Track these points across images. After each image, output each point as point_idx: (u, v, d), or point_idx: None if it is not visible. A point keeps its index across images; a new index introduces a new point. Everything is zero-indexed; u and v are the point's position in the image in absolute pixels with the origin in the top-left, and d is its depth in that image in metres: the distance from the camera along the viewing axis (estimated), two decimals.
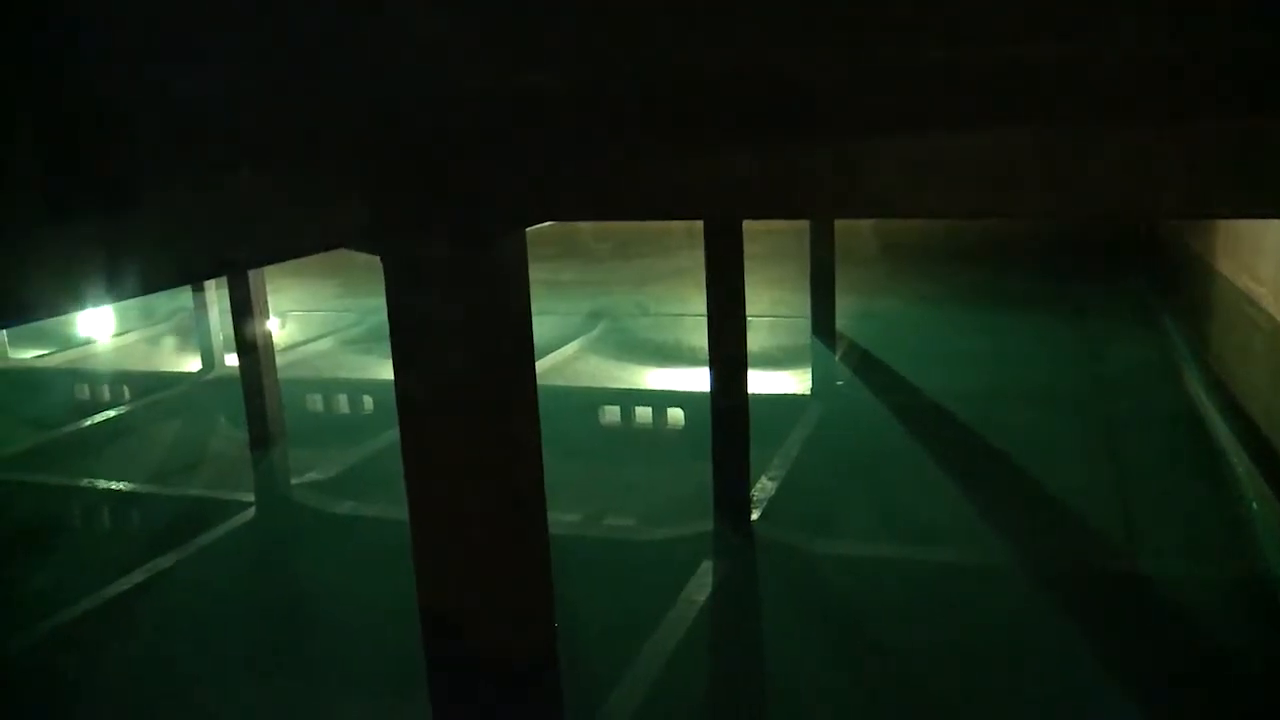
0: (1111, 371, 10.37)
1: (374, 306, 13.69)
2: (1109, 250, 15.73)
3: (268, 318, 9.15)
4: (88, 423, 10.45)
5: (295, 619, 6.40)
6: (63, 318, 12.89)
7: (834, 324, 11.60)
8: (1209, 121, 2.21)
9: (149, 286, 2.35)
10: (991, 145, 2.32)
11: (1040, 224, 15.63)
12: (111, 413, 10.80)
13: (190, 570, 6.96)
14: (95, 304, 2.12)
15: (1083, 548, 6.59)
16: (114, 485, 8.62)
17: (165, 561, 7.01)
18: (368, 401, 10.76)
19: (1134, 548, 6.51)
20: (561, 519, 6.64)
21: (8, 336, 13.47)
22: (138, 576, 6.80)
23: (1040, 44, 2.25)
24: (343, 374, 11.76)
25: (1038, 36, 2.24)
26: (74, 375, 12.62)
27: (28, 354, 13.50)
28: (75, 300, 2.09)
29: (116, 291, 2.19)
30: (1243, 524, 6.71)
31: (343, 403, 10.93)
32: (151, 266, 2.21)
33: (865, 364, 10.85)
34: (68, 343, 13.99)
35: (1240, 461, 7.55)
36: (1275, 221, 8.56)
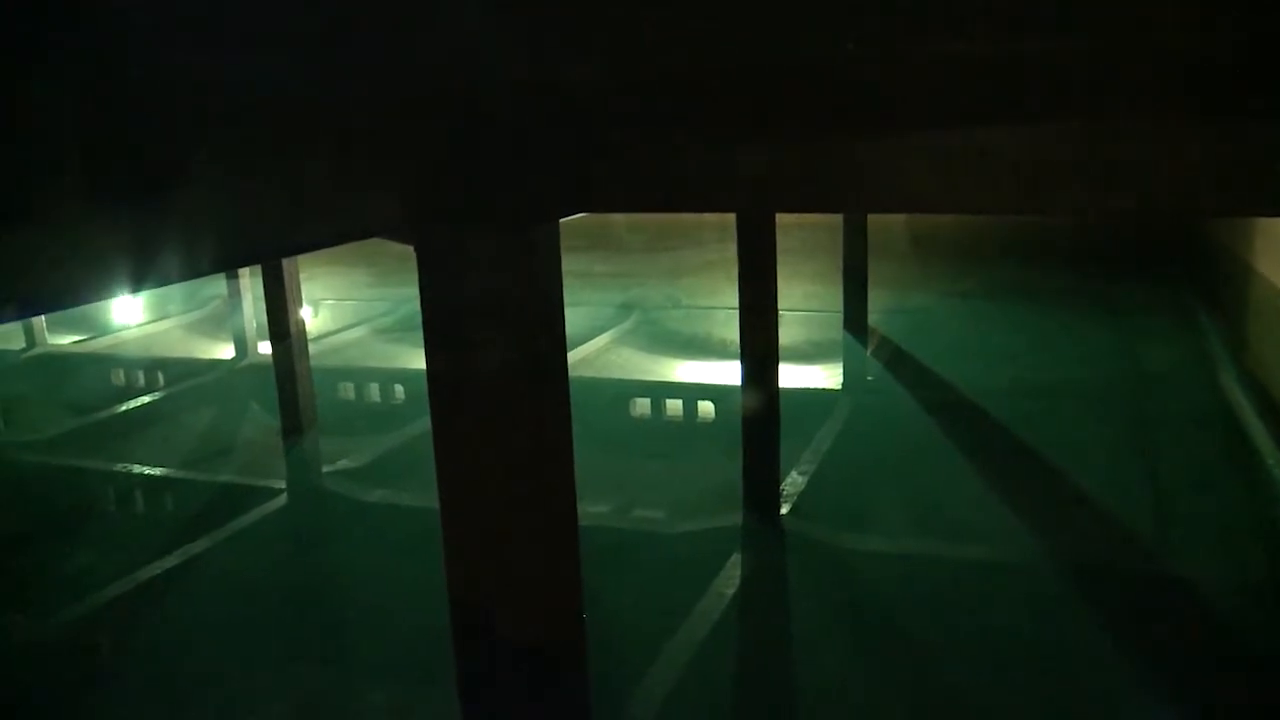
0: (1146, 370, 10.28)
1: (406, 296, 13.79)
2: (1145, 247, 15.60)
3: (300, 306, 9.20)
4: (123, 408, 10.55)
5: (325, 605, 6.45)
6: (99, 304, 13.01)
7: (866, 319, 11.56)
8: (1249, 119, 2.18)
9: (186, 273, 2.36)
10: (1026, 141, 2.31)
11: (1075, 220, 15.52)
12: (146, 398, 10.91)
13: (222, 555, 7.02)
14: (133, 290, 2.14)
15: (1115, 547, 6.55)
16: (148, 470, 8.70)
17: (197, 546, 7.08)
18: (399, 390, 10.81)
19: (1167, 548, 6.46)
20: (591, 510, 6.66)
21: (46, 322, 13.61)
22: (171, 561, 6.87)
23: (1075, 38, 2.23)
24: (374, 363, 11.82)
25: (1072, 30, 2.23)
26: (110, 361, 12.74)
27: (65, 339, 13.65)
28: (114, 286, 2.11)
29: (154, 278, 2.20)
30: (1278, 525, 6.66)
31: (374, 391, 10.98)
32: (189, 253, 2.22)
33: (897, 359, 10.81)
34: (104, 329, 14.14)
35: (1277, 463, 7.48)
36: None
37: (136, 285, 2.14)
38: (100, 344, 13.54)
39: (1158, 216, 13.58)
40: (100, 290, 2.12)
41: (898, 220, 16.62)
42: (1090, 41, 2.22)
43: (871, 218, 11.56)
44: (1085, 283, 14.06)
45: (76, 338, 13.73)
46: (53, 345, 13.44)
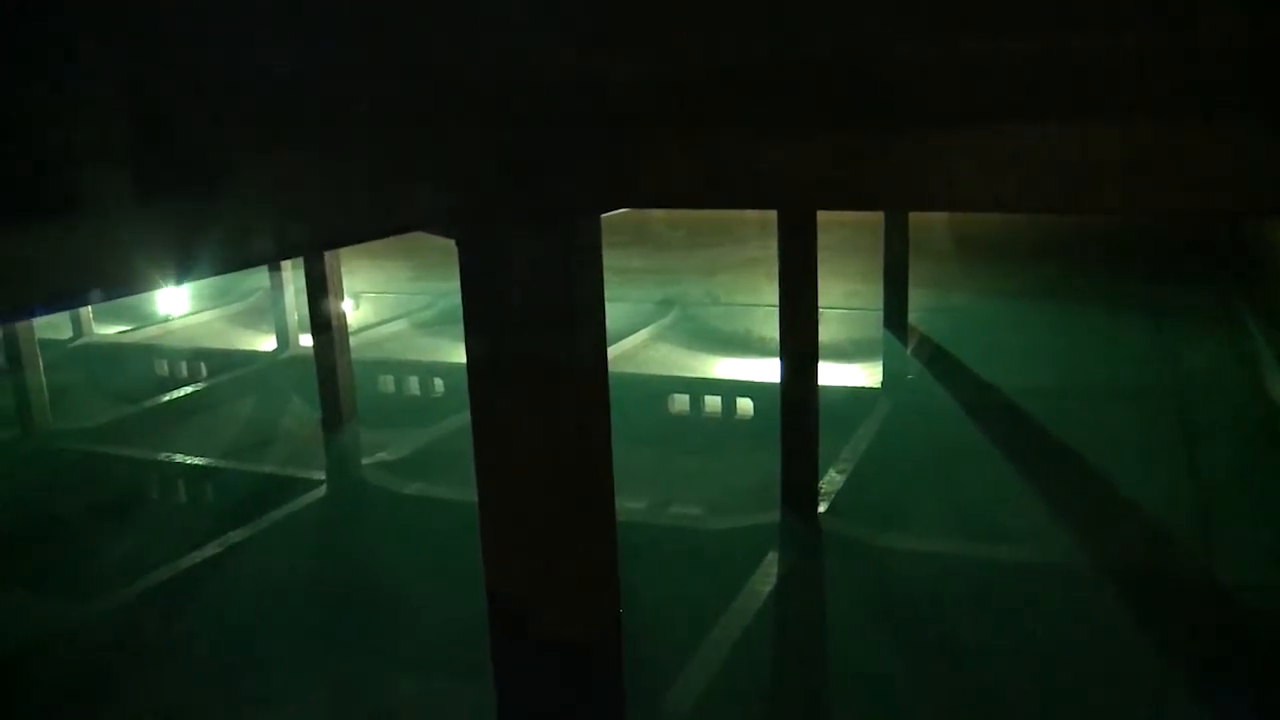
0: (1190, 371, 10.15)
1: (446, 290, 13.86)
2: (1191, 248, 15.40)
3: (342, 299, 9.27)
4: (166, 398, 10.67)
5: (363, 597, 6.49)
6: (144, 294, 13.16)
7: (906, 317, 11.50)
8: None
9: (231, 265, 2.39)
10: (1072, 140, 2.28)
11: (1121, 220, 15.35)
12: (189, 389, 11.02)
13: (262, 545, 7.09)
14: (179, 281, 2.16)
15: (1155, 551, 6.48)
16: (190, 460, 8.79)
17: (237, 536, 7.15)
18: (438, 384, 10.86)
19: (1208, 552, 6.39)
20: (629, 506, 6.67)
21: (92, 312, 13.79)
22: (211, 549, 6.94)
23: (1125, 35, 2.20)
24: (414, 356, 11.88)
25: (1123, 28, 2.20)
26: (154, 351, 12.88)
27: (110, 329, 13.81)
28: (160, 277, 2.13)
29: (199, 269, 2.22)
30: None
31: (414, 384, 11.04)
32: (234, 245, 2.24)
33: (937, 358, 10.74)
34: (148, 319, 14.30)
35: None
36: None
37: (181, 277, 2.17)
38: (145, 334, 13.69)
39: (1205, 216, 13.42)
40: (146, 281, 2.14)
41: (939, 219, 16.51)
42: (1139, 38, 2.20)
43: (913, 216, 11.49)
44: (1128, 283, 13.91)
45: (122, 328, 13.90)
46: (99, 335, 13.61)
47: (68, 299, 2.05)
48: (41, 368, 10.86)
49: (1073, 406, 9.10)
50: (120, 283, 2.10)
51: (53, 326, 13.24)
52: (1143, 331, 11.69)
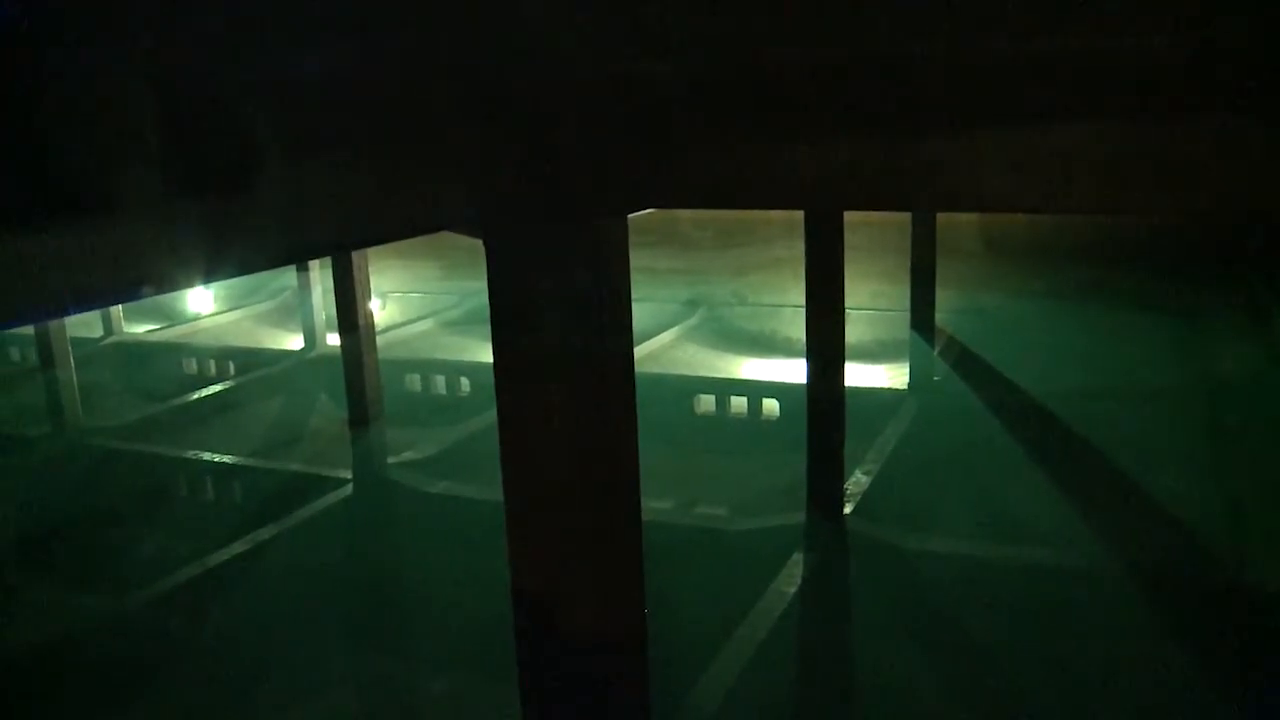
0: (1222, 374, 10.07)
1: (473, 289, 13.89)
2: (1224, 249, 15.25)
3: (369, 298, 9.31)
4: (195, 396, 10.74)
5: (388, 595, 6.52)
6: (173, 294, 13.25)
7: (933, 318, 11.44)
8: None
9: (260, 265, 2.40)
10: (1101, 139, 2.27)
11: (1151, 221, 15.22)
12: (217, 387, 11.09)
13: (288, 543, 7.12)
14: (208, 281, 2.18)
15: (1184, 554, 6.43)
16: (219, 458, 8.85)
17: (265, 533, 7.19)
18: (465, 383, 10.89)
19: (1237, 558, 6.34)
20: (655, 506, 6.67)
21: (123, 311, 13.90)
22: (239, 547, 6.98)
23: (1157, 35, 2.19)
24: (441, 355, 11.92)
25: (1154, 28, 2.19)
26: (183, 350, 12.98)
27: (140, 328, 13.92)
28: (190, 277, 2.15)
29: (229, 269, 2.24)
30: None
31: (440, 384, 11.07)
32: (263, 245, 2.26)
33: (964, 360, 10.69)
34: (178, 318, 14.40)
35: None
36: None
37: (211, 276, 2.18)
38: (174, 333, 13.79)
39: (1237, 218, 13.28)
40: (176, 281, 2.16)
41: (967, 219, 16.42)
42: (1172, 38, 2.19)
43: (940, 216, 11.44)
44: (1158, 284, 13.79)
45: (151, 327, 14.01)
46: (129, 334, 13.72)
47: (98, 298, 2.07)
48: (73, 366, 10.96)
49: (1101, 408, 9.04)
50: (150, 282, 2.11)
51: (84, 325, 13.36)
52: (1173, 332, 11.60)
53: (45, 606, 6.46)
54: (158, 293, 2.13)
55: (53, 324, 10.80)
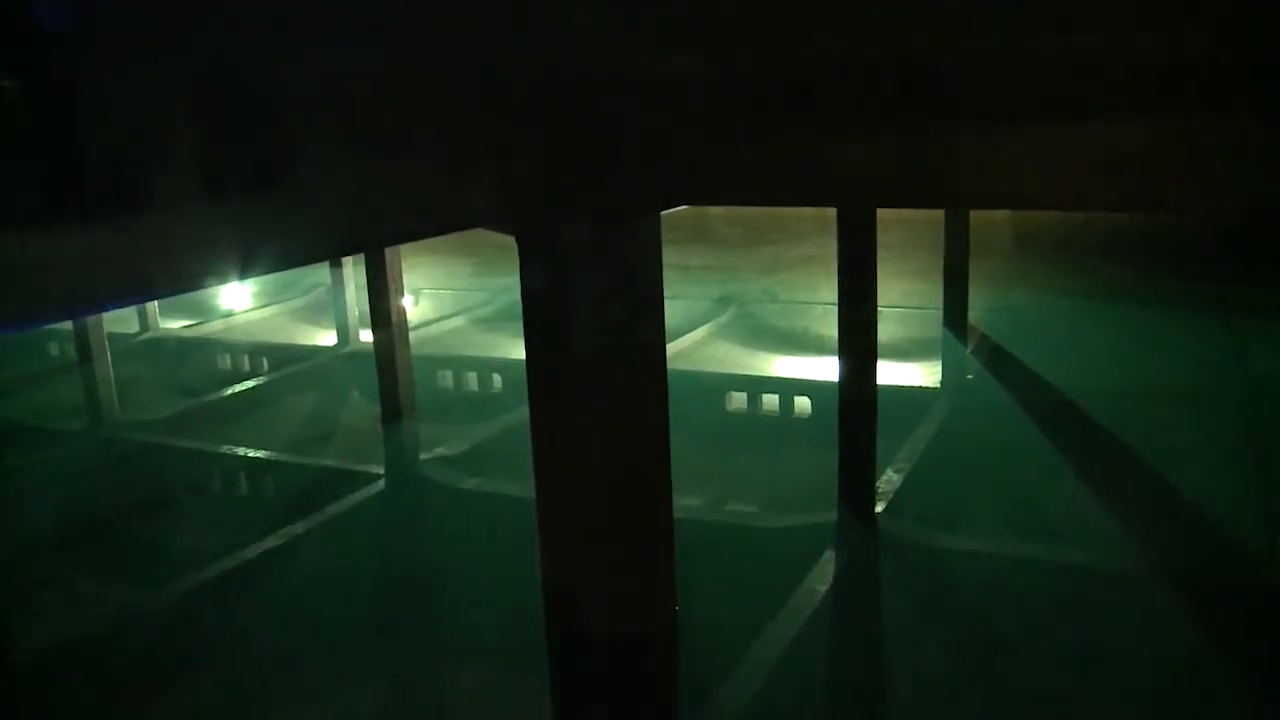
0: (1259, 373, 9.96)
1: (505, 286, 13.93)
2: (1261, 246, 15.08)
3: (402, 295, 9.35)
4: (229, 392, 10.82)
5: (419, 590, 6.54)
6: (208, 290, 13.35)
7: (966, 316, 11.38)
8: None
9: (294, 262, 2.42)
10: (1137, 136, 2.25)
11: (1188, 219, 15.07)
12: (251, 383, 11.17)
13: (321, 538, 7.17)
14: (243, 278, 2.20)
15: (1220, 556, 6.37)
16: (252, 453, 8.91)
17: (297, 528, 7.23)
18: (497, 380, 10.92)
19: (1273, 559, 6.27)
20: (686, 503, 6.66)
21: (158, 307, 14.02)
22: (271, 541, 7.03)
23: (1196, 34, 2.17)
24: (473, 352, 11.95)
25: (1191, 25, 2.17)
26: (217, 345, 13.08)
27: (175, 324, 14.04)
28: (224, 274, 2.17)
29: (263, 266, 2.26)
30: None
31: (472, 380, 11.11)
32: (297, 242, 2.27)
33: (997, 358, 10.62)
34: (212, 314, 14.51)
35: None
36: None
37: (245, 272, 2.20)
38: (208, 329, 13.89)
39: (1275, 216, 13.15)
40: (211, 277, 2.18)
41: (1001, 216, 16.32)
42: (1209, 33, 2.17)
43: (974, 214, 11.37)
44: (1196, 283, 13.64)
45: (186, 322, 14.12)
46: (164, 329, 13.84)
47: (135, 294, 2.09)
48: (109, 361, 11.08)
49: (1136, 408, 8.96)
50: (186, 279, 2.13)
51: (120, 321, 13.47)
52: (1210, 331, 11.47)
53: (80, 599, 6.53)
54: (193, 289, 2.15)
55: (90, 320, 10.92)
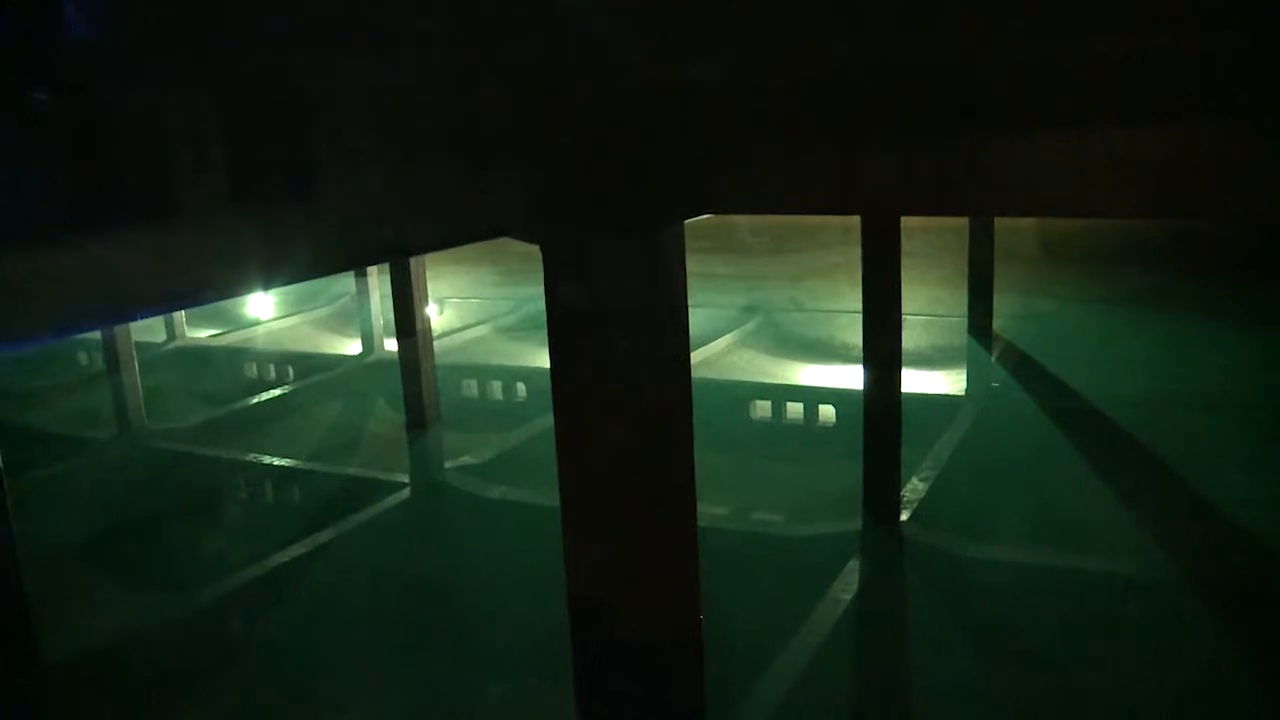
0: None
1: (529, 295, 13.96)
2: None
3: (427, 304, 9.38)
4: (255, 400, 10.89)
5: (444, 598, 6.55)
6: (234, 299, 13.45)
7: (991, 324, 11.33)
8: None
9: (320, 271, 2.44)
10: (1165, 141, 2.24)
11: (1219, 224, 14.92)
12: (277, 391, 11.23)
13: (346, 545, 7.20)
14: (270, 287, 2.22)
15: (1246, 564, 6.31)
16: (278, 461, 8.96)
17: (323, 536, 7.26)
18: (521, 388, 10.94)
19: None
20: (710, 511, 6.65)
21: (185, 316, 14.12)
22: (297, 549, 7.06)
23: (1224, 35, 2.16)
24: (497, 360, 11.98)
25: (1221, 27, 2.16)
26: (244, 354, 13.16)
27: (202, 333, 14.13)
28: (253, 283, 2.18)
29: (290, 275, 2.28)
30: None
31: (497, 389, 11.13)
32: (324, 252, 2.29)
33: (1023, 366, 10.57)
34: (238, 323, 14.60)
35: None
36: None
37: (272, 282, 2.22)
38: (235, 338, 13.99)
39: None
40: (238, 287, 2.20)
41: (1026, 223, 16.22)
42: (1238, 39, 2.16)
43: (998, 221, 11.32)
44: (1225, 289, 13.52)
45: (213, 331, 14.21)
46: (191, 338, 13.94)
47: (163, 304, 2.11)
48: (137, 370, 11.18)
49: (1163, 416, 8.89)
50: (213, 288, 2.15)
51: (148, 330, 13.58)
52: (1239, 339, 11.37)
53: (110, 604, 6.57)
54: (220, 299, 2.17)
55: (118, 329, 11.01)
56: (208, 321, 14.47)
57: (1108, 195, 2.32)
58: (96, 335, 11.79)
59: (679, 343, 2.76)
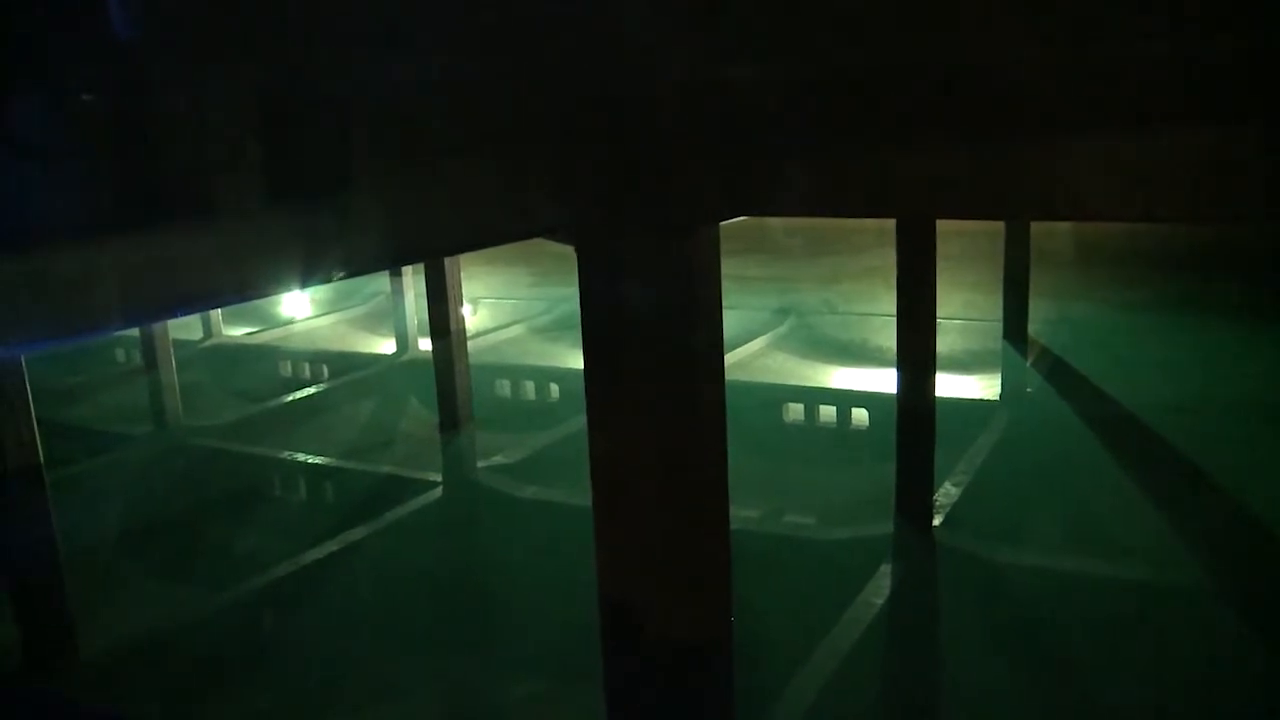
0: None
1: (563, 295, 13.99)
2: None
3: (461, 304, 9.42)
4: (290, 398, 10.96)
5: (475, 597, 6.58)
6: (270, 298, 13.55)
7: (1026, 329, 11.26)
8: None
9: (355, 270, 2.45)
10: (1207, 144, 2.22)
11: (1256, 228, 14.76)
12: (312, 389, 11.30)
13: (378, 544, 7.24)
14: (306, 286, 2.24)
15: None
16: (312, 459, 9.02)
17: (355, 534, 7.31)
18: (554, 389, 10.96)
19: None
20: (742, 514, 6.64)
21: (222, 314, 14.24)
22: (330, 546, 7.11)
23: (1257, 36, 2.14)
24: (531, 361, 12.01)
25: (1258, 30, 2.14)
26: (279, 353, 13.26)
27: (238, 331, 14.25)
28: (288, 281, 2.20)
29: (325, 274, 2.29)
30: None
31: (530, 389, 11.16)
32: (359, 251, 2.30)
33: (1058, 371, 10.49)
34: (274, 322, 14.70)
35: None
36: None
37: (309, 279, 2.23)
38: (270, 336, 14.09)
39: None
40: (274, 285, 2.21)
41: (1061, 226, 16.09)
42: (1272, 39, 2.13)
43: (1034, 224, 11.24)
44: (1263, 295, 13.37)
45: (249, 330, 14.33)
46: (227, 336, 14.05)
47: (201, 302, 2.13)
48: (174, 367, 11.29)
49: (1199, 422, 8.80)
50: (250, 287, 2.17)
51: (185, 328, 13.70)
52: (1276, 345, 11.25)
53: (146, 598, 6.64)
54: (257, 297, 2.19)
55: (156, 327, 11.11)
56: (244, 320, 14.58)
57: (1148, 199, 2.30)
58: (134, 333, 11.91)
59: (713, 344, 2.75)
